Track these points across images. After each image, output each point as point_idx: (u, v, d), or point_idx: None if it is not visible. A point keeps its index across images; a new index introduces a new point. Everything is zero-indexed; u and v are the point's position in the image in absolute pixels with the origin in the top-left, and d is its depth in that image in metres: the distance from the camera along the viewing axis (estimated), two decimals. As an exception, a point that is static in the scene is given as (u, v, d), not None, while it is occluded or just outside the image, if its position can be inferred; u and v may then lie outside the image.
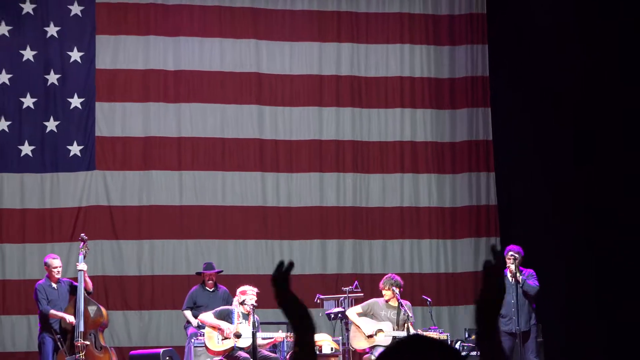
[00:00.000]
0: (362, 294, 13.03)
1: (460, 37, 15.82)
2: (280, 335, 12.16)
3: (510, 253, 12.22)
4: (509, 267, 12.10)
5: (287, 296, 3.48)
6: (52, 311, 12.04)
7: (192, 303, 13.16)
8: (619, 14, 13.76)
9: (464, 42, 15.80)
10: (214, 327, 11.97)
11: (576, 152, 14.53)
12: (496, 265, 3.35)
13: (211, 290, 13.27)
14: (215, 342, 11.96)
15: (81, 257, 12.37)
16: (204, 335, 12.16)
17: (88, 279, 12.33)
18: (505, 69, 15.51)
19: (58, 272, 12.31)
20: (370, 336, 12.15)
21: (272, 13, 15.43)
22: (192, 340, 12.64)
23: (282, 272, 3.50)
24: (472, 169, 15.64)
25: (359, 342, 12.31)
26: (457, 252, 15.44)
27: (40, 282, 12.34)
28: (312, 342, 3.52)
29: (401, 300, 12.15)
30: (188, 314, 13.08)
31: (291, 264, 3.53)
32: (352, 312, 12.41)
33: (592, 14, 14.18)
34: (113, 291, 14.43)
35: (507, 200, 15.43)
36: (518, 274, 12.11)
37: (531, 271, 12.33)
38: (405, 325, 11.88)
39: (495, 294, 3.33)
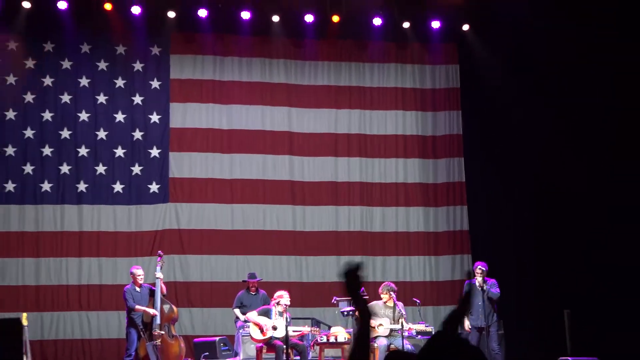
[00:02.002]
0: (367, 297, 12.84)
1: (440, 105, 15.81)
2: (307, 329, 12.10)
3: (479, 267, 12.29)
4: (476, 278, 12.18)
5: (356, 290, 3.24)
6: (137, 306, 12.10)
7: (239, 303, 13.11)
8: (565, 83, 13.84)
9: (443, 109, 15.81)
10: (256, 324, 12.04)
11: (530, 190, 14.54)
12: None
13: (254, 293, 13.23)
14: (257, 333, 11.95)
15: (158, 267, 12.41)
16: (249, 327, 12.07)
17: (163, 285, 12.36)
18: (474, 128, 15.54)
19: (141, 279, 12.36)
20: (372, 328, 12.16)
21: (301, 87, 15.45)
22: (240, 331, 12.63)
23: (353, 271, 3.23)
24: (450, 204, 15.59)
25: (364, 334, 12.22)
26: (439, 265, 15.38)
27: (127, 286, 12.35)
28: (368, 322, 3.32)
29: (396, 302, 12.11)
30: (237, 311, 13.04)
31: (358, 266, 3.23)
32: (361, 314, 12.40)
33: (542, 82, 14.28)
34: (181, 293, 14.45)
35: (476, 227, 15.40)
36: (484, 284, 12.20)
37: (494, 281, 12.26)
38: (400, 320, 11.69)
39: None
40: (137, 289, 12.35)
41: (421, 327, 12.14)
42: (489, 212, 15.17)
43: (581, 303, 12.94)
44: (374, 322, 12.13)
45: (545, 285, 14.09)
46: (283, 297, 12.07)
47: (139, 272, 12.45)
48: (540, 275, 14.28)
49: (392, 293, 12.25)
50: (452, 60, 16.00)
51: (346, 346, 12.36)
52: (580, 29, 13.30)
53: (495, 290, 12.20)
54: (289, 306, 12.08)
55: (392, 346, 11.97)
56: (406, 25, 15.40)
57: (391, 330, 12.05)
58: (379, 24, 15.24)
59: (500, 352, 12.45)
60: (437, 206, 15.64)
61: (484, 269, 12.24)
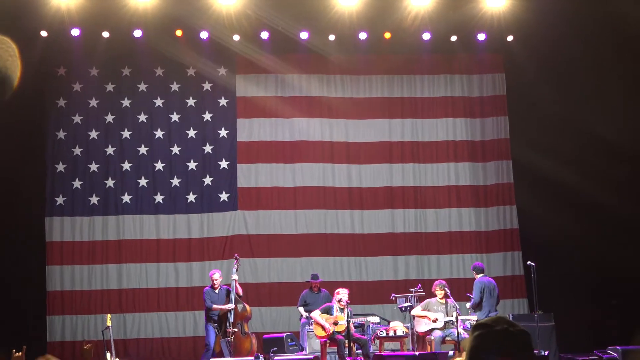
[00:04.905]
0: (423, 293, 12.82)
1: (488, 111, 15.55)
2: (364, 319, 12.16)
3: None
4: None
5: None
6: (214, 306, 12.25)
7: (303, 302, 13.14)
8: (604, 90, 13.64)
9: (490, 115, 15.54)
10: (318, 324, 12.04)
11: (575, 188, 14.28)
12: None
13: (316, 292, 13.21)
14: (320, 331, 12.00)
15: (234, 270, 12.47)
16: (313, 324, 12.19)
17: (239, 285, 12.39)
18: (520, 132, 15.31)
19: (218, 282, 12.45)
20: (434, 321, 11.98)
21: (356, 100, 15.38)
22: (305, 327, 12.70)
23: None
24: (500, 204, 15.30)
25: (421, 327, 12.20)
26: (491, 262, 15.00)
27: (206, 288, 12.52)
28: None
29: (449, 297, 12.06)
30: (301, 309, 13.07)
31: None
32: (416, 311, 12.24)
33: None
34: (252, 293, 14.43)
35: (524, 225, 15.12)
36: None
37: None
38: (453, 313, 11.66)
39: None
40: (215, 290, 12.49)
41: (474, 317, 12.13)
42: (536, 210, 14.87)
43: (629, 294, 12.80)
44: (431, 316, 12.13)
45: (593, 278, 13.88)
46: (340, 294, 12.12)
47: (215, 276, 12.58)
48: (588, 268, 14.03)
49: (446, 290, 12.21)
50: (498, 69, 15.75)
51: (405, 339, 12.37)
52: (615, 34, 13.07)
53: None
54: (350, 303, 12.01)
55: (447, 338, 11.90)
56: (453, 38, 15.23)
57: (445, 322, 12.04)
58: (428, 39, 15.07)
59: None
60: (488, 206, 15.37)
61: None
